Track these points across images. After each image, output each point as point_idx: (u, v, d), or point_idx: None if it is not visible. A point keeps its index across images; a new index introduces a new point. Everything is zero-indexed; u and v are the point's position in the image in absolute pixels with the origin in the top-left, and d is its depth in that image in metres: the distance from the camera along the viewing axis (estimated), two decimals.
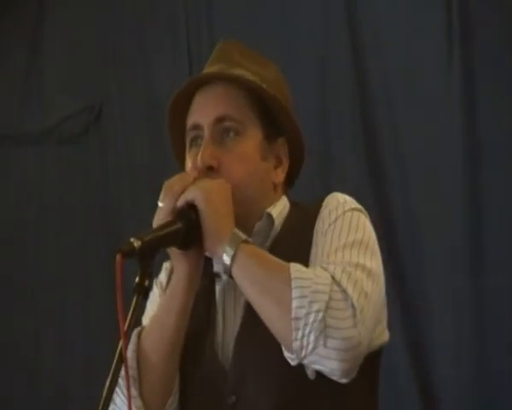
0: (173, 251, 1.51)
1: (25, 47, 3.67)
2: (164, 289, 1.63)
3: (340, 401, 1.49)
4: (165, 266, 1.65)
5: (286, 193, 1.66)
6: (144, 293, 1.36)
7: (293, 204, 1.64)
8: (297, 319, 1.39)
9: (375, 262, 1.50)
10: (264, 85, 1.59)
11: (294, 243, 1.57)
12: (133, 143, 3.43)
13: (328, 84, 3.13)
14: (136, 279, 1.36)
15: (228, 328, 1.56)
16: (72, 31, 3.61)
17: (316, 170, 2.94)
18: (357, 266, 1.46)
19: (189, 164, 1.57)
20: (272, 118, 1.60)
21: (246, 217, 1.54)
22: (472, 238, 2.87)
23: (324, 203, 1.57)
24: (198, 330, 1.57)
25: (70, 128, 3.51)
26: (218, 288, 1.58)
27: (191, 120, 1.58)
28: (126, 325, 1.33)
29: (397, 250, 2.89)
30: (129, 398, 1.37)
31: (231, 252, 1.44)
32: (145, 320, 1.63)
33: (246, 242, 1.46)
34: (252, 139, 1.57)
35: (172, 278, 1.54)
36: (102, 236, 3.47)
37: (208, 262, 1.56)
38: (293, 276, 1.41)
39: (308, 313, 1.38)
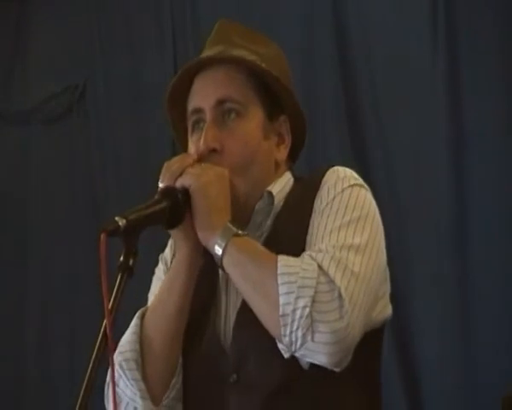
0: (173, 232, 1.51)
1: (10, 27, 3.67)
2: (168, 266, 1.63)
3: (337, 382, 1.48)
4: (171, 242, 1.64)
5: (290, 168, 1.65)
6: (129, 272, 1.35)
7: (296, 179, 1.64)
8: (284, 315, 1.40)
9: (370, 235, 1.49)
10: (264, 65, 1.58)
11: (295, 221, 1.57)
12: (117, 123, 3.42)
13: (313, 75, 3.15)
14: (121, 258, 1.35)
15: (230, 307, 1.57)
16: (58, 12, 3.61)
17: (300, 158, 2.95)
18: (349, 248, 1.45)
19: (192, 149, 1.56)
20: (273, 96, 1.60)
21: (248, 198, 1.54)
22: (457, 225, 2.90)
23: (325, 179, 1.56)
24: (201, 308, 1.57)
25: (54, 107, 3.51)
26: (221, 273, 1.56)
27: (192, 103, 1.58)
28: (110, 304, 1.32)
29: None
30: (113, 378, 1.34)
31: (222, 244, 1.45)
32: (150, 297, 1.64)
33: (237, 235, 1.47)
34: (254, 119, 1.57)
35: (175, 259, 1.55)
36: (87, 215, 3.47)
37: None
38: (279, 271, 1.42)
39: (295, 310, 1.39)
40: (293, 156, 1.66)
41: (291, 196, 1.61)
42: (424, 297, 2.97)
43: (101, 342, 1.34)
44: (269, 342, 1.46)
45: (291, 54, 3.02)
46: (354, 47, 3.12)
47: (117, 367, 1.49)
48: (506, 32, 2.93)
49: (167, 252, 1.66)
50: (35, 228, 3.63)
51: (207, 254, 1.55)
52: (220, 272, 1.57)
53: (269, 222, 1.58)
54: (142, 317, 1.56)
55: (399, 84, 3.06)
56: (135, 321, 1.55)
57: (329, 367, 1.43)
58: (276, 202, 1.58)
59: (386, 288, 1.57)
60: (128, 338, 1.53)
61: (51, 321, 3.62)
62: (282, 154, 1.62)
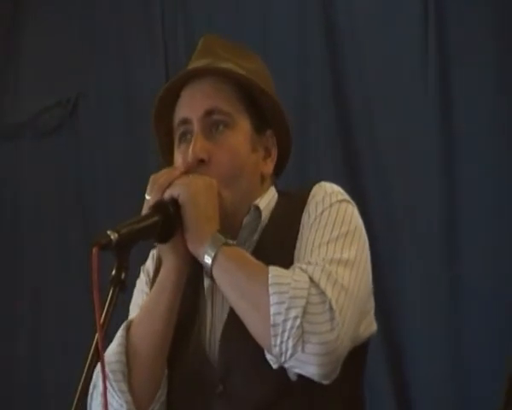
0: (160, 245, 1.53)
1: (1, 40, 3.69)
2: (150, 277, 1.65)
3: (324, 395, 1.50)
4: (152, 253, 1.67)
5: (274, 183, 1.68)
6: (121, 286, 1.36)
7: (281, 194, 1.66)
8: (275, 325, 1.41)
9: (358, 251, 1.52)
10: (253, 78, 1.60)
11: (281, 236, 1.59)
12: (109, 138, 3.44)
13: (304, 80, 3.15)
14: (113, 272, 1.36)
15: (216, 319, 1.58)
16: (50, 25, 3.64)
17: (291, 163, 2.98)
18: (338, 262, 1.48)
19: (178, 160, 1.58)
20: (260, 110, 1.63)
21: (236, 209, 1.56)
22: (447, 228, 2.91)
23: (312, 193, 1.59)
24: (185, 319, 1.58)
25: (46, 121, 3.53)
26: (206, 283, 1.59)
27: (180, 114, 1.60)
28: (102, 318, 1.33)
29: (372, 241, 2.91)
30: (104, 392, 1.36)
31: (212, 253, 1.47)
32: (132, 308, 1.66)
33: (227, 244, 1.48)
34: (241, 132, 1.59)
35: (161, 271, 1.56)
36: (78, 231, 3.48)
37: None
38: (271, 281, 1.44)
39: (286, 320, 1.41)
40: (277, 171, 1.68)
41: (277, 211, 1.63)
42: (414, 299, 3.00)
43: (92, 357, 1.34)
44: (256, 355, 1.48)
45: (281, 60, 3.05)
46: (345, 48, 3.13)
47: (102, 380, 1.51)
48: (498, 32, 2.95)
49: (149, 263, 1.68)
50: (25, 245, 3.64)
51: (192, 265, 1.56)
52: (205, 282, 1.60)
53: (255, 237, 1.59)
54: (128, 329, 1.57)
55: (390, 91, 3.07)
56: (120, 333, 1.56)
57: (318, 379, 1.45)
58: (262, 216, 1.60)
59: (372, 303, 1.60)
60: (114, 350, 1.54)
61: (43, 334, 3.62)
62: (269, 167, 1.64)
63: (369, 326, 1.58)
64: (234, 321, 1.51)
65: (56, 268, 3.49)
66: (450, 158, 2.97)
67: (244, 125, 1.59)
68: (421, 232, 2.98)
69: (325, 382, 1.44)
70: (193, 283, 1.59)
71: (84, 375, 1.34)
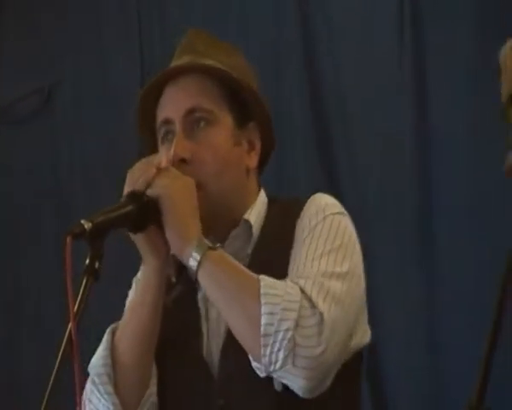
0: (140, 245, 1.51)
1: None
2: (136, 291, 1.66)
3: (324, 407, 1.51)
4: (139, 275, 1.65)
5: (258, 180, 1.66)
6: (95, 275, 1.36)
7: (271, 201, 1.65)
8: (266, 335, 1.41)
9: (351, 264, 1.52)
10: (234, 73, 1.59)
11: (275, 250, 1.59)
12: (84, 127, 3.46)
13: (279, 74, 3.15)
14: (87, 261, 1.36)
15: (212, 336, 1.57)
16: (27, 15, 3.64)
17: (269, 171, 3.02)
18: (330, 275, 1.48)
19: (163, 160, 1.54)
20: (242, 104, 1.61)
21: (223, 206, 1.56)
22: (423, 227, 2.91)
23: (305, 207, 1.59)
24: (182, 338, 1.58)
25: (22, 109, 3.54)
26: (199, 295, 1.58)
27: (162, 115, 1.59)
28: (75, 307, 1.33)
29: None
30: (79, 382, 1.33)
31: (198, 257, 1.46)
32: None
33: (212, 248, 1.47)
34: (223, 128, 1.58)
35: (142, 271, 1.56)
36: (53, 220, 3.48)
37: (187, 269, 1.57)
38: (263, 291, 1.44)
39: (277, 331, 1.41)
40: (261, 163, 1.67)
41: (269, 223, 1.62)
42: (390, 301, 3.02)
43: (65, 347, 1.34)
44: (255, 372, 1.47)
45: (257, 50, 3.02)
46: (319, 47, 3.12)
47: (89, 383, 1.51)
48: (474, 31, 2.96)
49: (141, 274, 1.66)
50: (0, 231, 3.68)
51: (185, 284, 1.57)
52: (199, 296, 1.59)
53: (249, 250, 1.59)
54: (113, 333, 1.57)
55: (366, 87, 3.09)
56: (106, 337, 1.57)
57: (303, 393, 1.44)
58: (253, 228, 1.59)
59: (365, 314, 1.60)
60: (100, 354, 1.55)
61: (18, 323, 3.62)
62: (253, 160, 1.62)
63: (364, 336, 1.58)
64: (233, 339, 1.49)
65: (30, 257, 3.50)
66: (427, 161, 2.96)
67: (226, 120, 1.58)
68: (396, 231, 2.98)
69: (309, 396, 1.44)
70: (187, 304, 1.59)
71: (56, 366, 1.33)
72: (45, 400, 1.32)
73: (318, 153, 3.06)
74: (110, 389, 1.51)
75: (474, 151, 2.82)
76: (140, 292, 1.56)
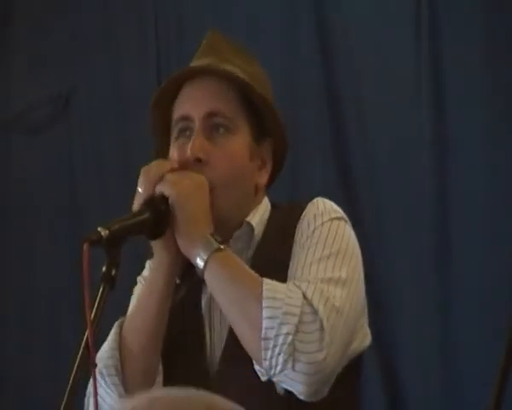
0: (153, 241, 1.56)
1: None
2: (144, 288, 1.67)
3: None
4: (149, 263, 1.66)
5: (267, 193, 1.68)
6: (111, 282, 1.38)
7: (274, 207, 1.67)
8: (267, 339, 1.43)
9: (349, 269, 1.55)
10: (256, 86, 1.60)
11: (275, 254, 1.61)
12: (101, 134, 3.48)
13: (296, 83, 3.17)
14: (103, 268, 1.38)
15: (214, 336, 1.60)
16: (41, 21, 3.67)
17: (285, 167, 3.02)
18: (330, 280, 1.50)
19: (174, 154, 1.57)
20: (260, 118, 1.62)
21: (227, 217, 1.57)
22: (439, 233, 2.91)
23: (305, 212, 1.60)
24: (186, 341, 1.60)
25: (37, 116, 3.58)
26: (204, 298, 1.60)
27: (181, 110, 1.59)
28: (92, 314, 1.35)
29: (365, 250, 2.94)
30: (95, 388, 1.36)
31: (205, 257, 1.48)
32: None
33: (219, 250, 1.49)
34: (241, 138, 1.59)
35: (152, 267, 1.58)
36: (70, 227, 3.50)
37: (194, 270, 1.57)
38: (265, 295, 1.46)
39: (277, 335, 1.43)
40: (270, 180, 1.67)
41: (270, 227, 1.64)
42: (407, 308, 3.02)
43: (82, 353, 1.36)
44: (255, 378, 1.49)
45: (273, 59, 3.04)
46: (336, 56, 3.12)
47: (97, 375, 1.50)
48: (491, 33, 2.97)
49: (145, 272, 1.68)
50: (15, 238, 3.67)
51: (190, 285, 1.59)
52: (203, 298, 1.61)
53: (250, 252, 1.60)
54: (121, 326, 1.58)
55: (383, 94, 3.08)
56: (114, 330, 1.59)
57: (304, 397, 1.47)
58: (256, 231, 1.61)
59: (365, 318, 1.62)
60: (107, 346, 1.57)
61: (32, 330, 3.66)
62: (263, 178, 1.64)
63: (364, 340, 1.60)
64: (233, 345, 1.53)
65: (46, 266, 3.52)
66: (444, 162, 2.96)
67: (244, 131, 1.59)
68: (413, 233, 2.98)
69: (311, 400, 1.46)
70: (192, 306, 1.61)
71: (74, 370, 1.35)
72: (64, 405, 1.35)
73: (334, 154, 3.07)
74: (117, 380, 1.53)
75: (491, 151, 2.84)
76: (147, 287, 1.58)
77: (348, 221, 1.62)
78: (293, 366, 1.43)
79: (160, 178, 1.50)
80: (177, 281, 1.61)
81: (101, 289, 1.38)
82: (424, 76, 3.02)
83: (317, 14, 3.17)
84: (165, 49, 3.39)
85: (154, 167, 1.53)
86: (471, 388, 2.85)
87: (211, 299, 1.59)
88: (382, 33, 3.07)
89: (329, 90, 3.13)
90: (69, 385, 1.35)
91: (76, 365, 1.36)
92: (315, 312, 1.45)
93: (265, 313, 1.44)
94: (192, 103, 1.59)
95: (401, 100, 3.04)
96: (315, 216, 1.58)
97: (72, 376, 1.37)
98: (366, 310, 1.61)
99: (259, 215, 1.63)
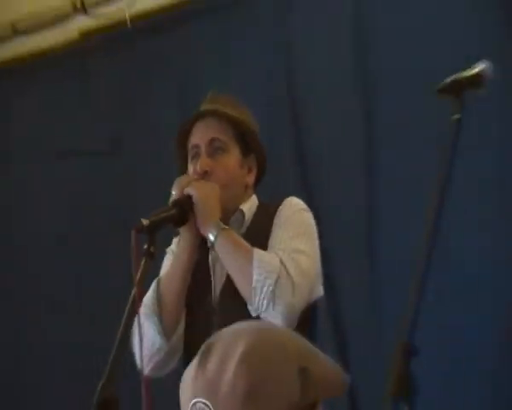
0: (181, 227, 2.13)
1: (76, 87, 4.14)
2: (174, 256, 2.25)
3: None
4: (175, 240, 2.26)
5: (256, 192, 2.28)
6: (150, 256, 1.92)
7: (260, 203, 2.27)
8: (255, 288, 2.04)
9: (311, 245, 2.16)
10: (240, 118, 2.21)
11: (260, 232, 2.19)
12: (146, 166, 3.84)
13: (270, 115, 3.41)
14: (145, 246, 1.92)
15: (216, 281, 2.20)
16: (116, 75, 4.10)
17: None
18: (298, 251, 2.10)
19: (190, 170, 2.20)
20: (246, 142, 2.23)
21: (227, 207, 2.15)
22: (369, 224, 3.26)
23: (281, 206, 2.20)
24: (198, 282, 2.19)
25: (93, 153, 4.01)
26: (210, 257, 2.19)
27: (193, 141, 2.22)
28: (138, 277, 1.86)
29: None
30: (139, 327, 1.82)
31: (215, 233, 2.09)
32: (162, 273, 2.24)
33: (224, 229, 2.09)
34: (233, 154, 2.20)
35: (179, 246, 2.19)
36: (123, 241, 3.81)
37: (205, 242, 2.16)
38: (254, 258, 2.06)
39: (263, 286, 2.04)
40: (256, 182, 2.29)
41: (257, 215, 2.23)
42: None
43: (131, 305, 1.84)
44: (242, 306, 2.07)
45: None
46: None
47: (142, 316, 2.02)
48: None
49: (173, 246, 2.28)
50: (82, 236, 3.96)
51: (202, 251, 2.18)
52: (210, 257, 2.19)
53: (243, 230, 2.19)
54: (158, 283, 2.16)
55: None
56: (153, 285, 2.16)
57: (285, 324, 2.02)
58: (246, 218, 2.20)
59: (320, 279, 2.20)
60: (149, 296, 2.13)
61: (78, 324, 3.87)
62: (251, 179, 2.26)
63: (318, 291, 2.19)
64: (228, 286, 2.13)
65: (96, 263, 3.81)
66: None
67: (235, 150, 2.21)
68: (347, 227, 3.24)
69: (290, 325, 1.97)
70: (203, 263, 2.20)
71: (125, 318, 1.82)
72: (109, 366, 1.71)
73: (301, 181, 3.44)
74: (156, 320, 2.12)
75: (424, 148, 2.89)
76: (178, 255, 2.18)
77: (310, 212, 2.21)
78: (273, 307, 2.03)
79: (187, 185, 2.11)
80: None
81: (143, 261, 1.89)
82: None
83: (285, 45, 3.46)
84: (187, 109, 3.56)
85: (183, 179, 2.16)
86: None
87: (214, 259, 2.18)
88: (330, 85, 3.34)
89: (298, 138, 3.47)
90: (121, 330, 1.80)
91: (127, 313, 1.82)
92: (288, 272, 2.04)
93: (255, 271, 2.04)
94: (199, 135, 2.20)
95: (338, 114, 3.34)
96: (288, 208, 2.19)
97: (124, 322, 1.81)
98: (320, 272, 2.20)
99: (249, 206, 2.22)
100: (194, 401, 1.23)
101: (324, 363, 1.25)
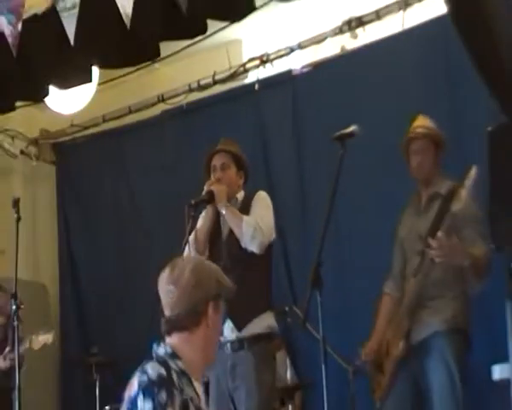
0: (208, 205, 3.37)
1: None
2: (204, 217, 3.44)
3: (257, 266, 3.44)
4: (204, 211, 3.51)
5: (243, 189, 3.52)
6: (194, 219, 3.29)
7: (245, 194, 3.47)
8: (244, 233, 3.33)
9: (269, 213, 3.48)
10: (239, 154, 3.48)
11: (245, 207, 3.39)
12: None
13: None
14: (192, 214, 3.32)
15: (224, 230, 3.49)
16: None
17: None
18: (263, 215, 3.40)
19: (212, 178, 3.48)
20: (239, 164, 3.48)
21: (230, 196, 3.44)
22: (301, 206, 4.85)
23: (256, 195, 3.45)
24: (216, 234, 3.51)
25: None
26: (221, 219, 3.47)
27: (213, 163, 3.51)
28: (188, 228, 3.36)
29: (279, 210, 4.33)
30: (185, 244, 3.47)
31: (224, 208, 3.37)
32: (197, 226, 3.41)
33: (228, 206, 3.34)
34: (232, 171, 3.50)
35: (207, 212, 3.49)
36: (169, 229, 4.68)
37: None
38: (244, 219, 3.29)
39: (247, 232, 3.33)
40: (243, 184, 3.58)
41: (243, 200, 3.50)
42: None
43: (186, 241, 3.33)
44: (236, 242, 3.41)
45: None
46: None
47: (190, 244, 3.35)
48: None
49: (203, 213, 3.52)
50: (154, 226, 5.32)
51: (217, 215, 3.48)
52: (221, 221, 3.51)
53: (237, 207, 3.44)
54: (196, 230, 3.38)
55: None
56: (192, 235, 3.34)
57: (258, 252, 3.41)
58: (238, 201, 3.47)
59: (274, 229, 3.46)
60: (192, 236, 3.37)
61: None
62: (241, 183, 3.56)
63: (273, 236, 3.47)
64: (232, 233, 3.42)
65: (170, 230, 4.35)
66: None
67: (233, 168, 3.52)
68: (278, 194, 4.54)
69: (260, 252, 3.40)
70: (217, 220, 3.51)
71: (183, 245, 3.26)
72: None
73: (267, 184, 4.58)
74: (194, 244, 3.36)
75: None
76: (205, 217, 3.48)
77: (269, 197, 3.52)
78: (252, 243, 3.35)
79: (211, 185, 3.39)
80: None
81: (190, 222, 3.24)
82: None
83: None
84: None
85: (209, 182, 3.43)
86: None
87: (223, 220, 3.45)
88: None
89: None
90: (182, 248, 3.26)
91: (183, 243, 3.24)
92: (259, 225, 3.31)
93: (243, 225, 3.34)
94: (216, 161, 3.53)
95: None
96: (258, 196, 3.47)
97: (183, 247, 3.27)
98: (274, 226, 3.48)
99: (240, 196, 3.49)
100: (167, 287, 2.22)
101: (227, 281, 2.27)
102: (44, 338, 4.51)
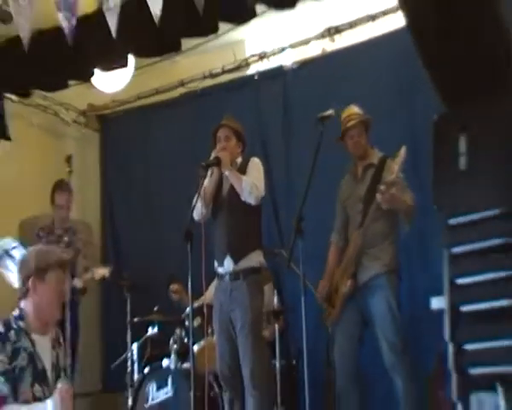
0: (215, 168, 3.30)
1: None
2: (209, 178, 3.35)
3: (250, 215, 3.38)
4: (209, 172, 3.36)
5: (241, 156, 3.44)
6: (204, 177, 3.29)
7: (242, 159, 3.40)
8: (243, 189, 3.22)
9: (261, 174, 3.37)
10: (239, 129, 3.44)
11: (243, 170, 3.33)
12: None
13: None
14: (203, 173, 3.31)
15: (227, 186, 3.41)
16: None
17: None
18: (257, 176, 3.31)
19: (218, 147, 3.40)
20: (239, 136, 3.43)
21: (231, 161, 3.36)
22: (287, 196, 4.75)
23: (250, 160, 3.37)
24: (219, 190, 3.43)
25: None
26: (224, 178, 3.39)
27: (218, 134, 3.45)
28: (200, 185, 3.31)
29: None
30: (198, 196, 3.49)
31: (227, 170, 3.28)
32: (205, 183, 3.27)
33: (231, 169, 3.26)
34: (233, 141, 3.44)
35: (214, 172, 3.38)
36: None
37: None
38: (243, 178, 3.21)
39: (245, 188, 3.23)
40: (241, 152, 3.51)
41: (241, 163, 3.40)
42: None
43: (198, 196, 3.28)
44: (236, 196, 3.28)
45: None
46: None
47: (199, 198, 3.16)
48: None
49: (210, 173, 3.41)
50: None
51: (221, 177, 3.36)
52: (224, 180, 3.42)
53: (236, 169, 3.29)
54: (204, 187, 3.23)
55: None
56: (202, 189, 3.17)
57: (254, 203, 3.28)
58: (238, 165, 3.35)
59: (264, 187, 3.31)
60: (201, 191, 3.17)
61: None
62: (240, 151, 3.50)
63: (264, 192, 3.36)
64: (232, 189, 3.33)
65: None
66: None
67: (234, 139, 3.46)
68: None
69: (256, 203, 3.31)
70: (221, 179, 3.40)
71: (195, 200, 3.27)
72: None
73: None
74: (200, 200, 3.19)
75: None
76: (212, 179, 3.40)
77: (261, 163, 3.42)
78: (249, 196, 3.23)
79: (217, 152, 3.31)
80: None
81: (201, 179, 3.22)
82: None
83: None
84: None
85: (216, 150, 3.35)
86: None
87: (225, 179, 3.35)
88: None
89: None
90: (196, 199, 3.31)
91: (196, 198, 3.21)
92: (255, 183, 3.21)
93: (242, 183, 3.25)
94: (221, 134, 3.44)
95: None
96: (252, 160, 3.39)
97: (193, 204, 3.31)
98: (264, 184, 3.34)
99: (239, 161, 3.42)
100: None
101: (46, 256, 2.44)
102: (104, 271, 4.54)
